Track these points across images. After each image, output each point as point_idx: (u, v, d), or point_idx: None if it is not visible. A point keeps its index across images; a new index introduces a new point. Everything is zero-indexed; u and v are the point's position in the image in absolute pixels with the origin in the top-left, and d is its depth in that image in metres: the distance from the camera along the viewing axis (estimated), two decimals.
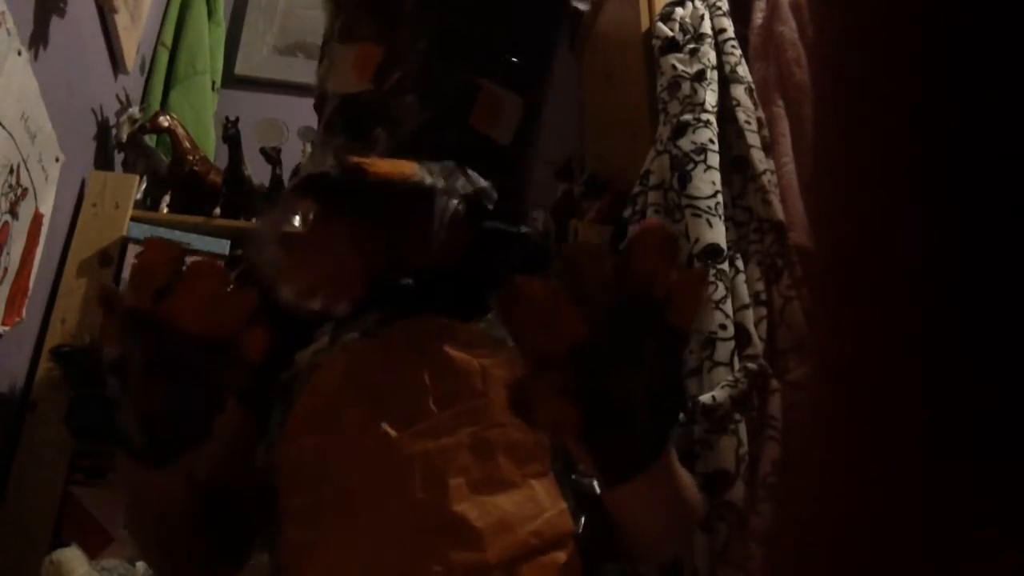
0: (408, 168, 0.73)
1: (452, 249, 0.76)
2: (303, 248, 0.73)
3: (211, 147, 2.29)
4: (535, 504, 0.72)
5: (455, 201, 0.73)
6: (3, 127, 1.31)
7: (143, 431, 0.65)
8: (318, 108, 0.90)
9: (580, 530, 0.73)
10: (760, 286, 1.50)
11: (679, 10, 1.83)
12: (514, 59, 0.84)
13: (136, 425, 0.65)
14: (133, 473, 0.71)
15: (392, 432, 0.72)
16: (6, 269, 1.43)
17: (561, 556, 0.70)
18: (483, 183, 0.76)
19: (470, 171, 0.76)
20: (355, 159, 0.72)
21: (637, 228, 0.61)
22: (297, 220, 0.75)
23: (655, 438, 0.64)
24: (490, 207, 0.77)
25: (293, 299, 0.70)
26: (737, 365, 1.39)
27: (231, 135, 2.04)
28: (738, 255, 1.52)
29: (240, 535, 0.82)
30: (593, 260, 0.58)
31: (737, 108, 1.66)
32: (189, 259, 0.64)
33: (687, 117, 1.62)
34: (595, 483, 0.75)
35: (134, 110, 2.12)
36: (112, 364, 0.63)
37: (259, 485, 0.77)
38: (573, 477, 0.77)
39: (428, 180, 0.72)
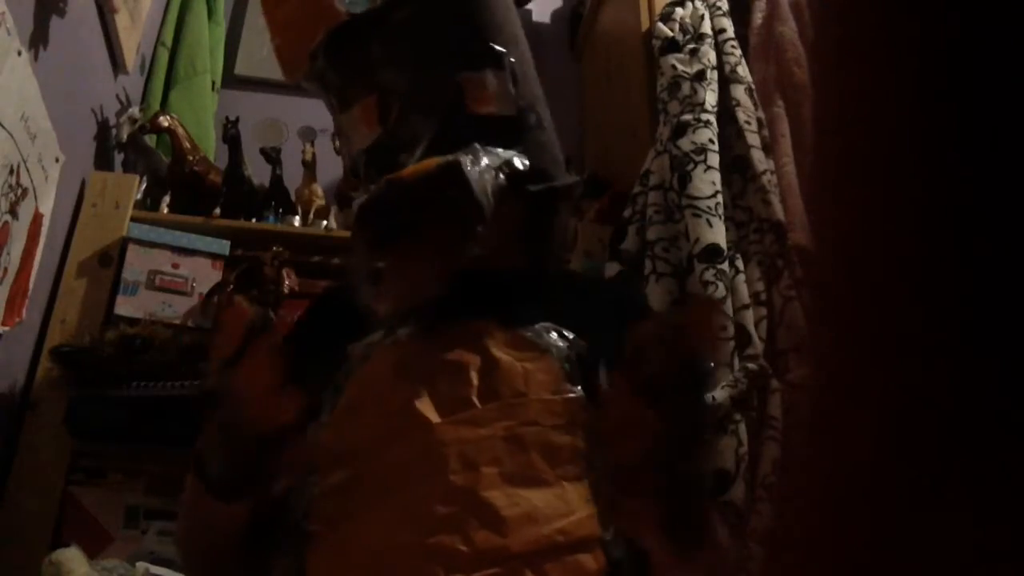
0: (435, 160, 0.82)
1: (510, 221, 0.86)
2: (389, 276, 0.84)
3: (211, 147, 2.29)
4: (565, 504, 0.74)
5: (491, 174, 0.82)
6: (3, 127, 1.31)
7: (224, 467, 0.76)
8: (351, 174, 1.02)
9: (609, 537, 0.74)
10: (760, 286, 1.50)
11: (679, 10, 1.83)
12: (482, 43, 0.93)
13: (218, 460, 0.76)
14: (201, 499, 0.80)
15: (433, 418, 0.77)
16: (6, 269, 1.43)
17: (587, 559, 0.72)
18: (508, 153, 0.86)
19: (493, 149, 0.85)
20: (387, 176, 0.82)
21: (691, 307, 0.73)
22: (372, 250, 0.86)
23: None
24: (523, 171, 0.86)
25: (393, 308, 0.82)
26: (737, 365, 1.39)
27: (231, 135, 2.04)
28: (738, 255, 1.52)
29: (263, 551, 0.88)
30: (659, 344, 0.68)
31: (737, 108, 1.66)
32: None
33: (687, 117, 1.62)
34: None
35: (134, 110, 2.12)
36: (207, 394, 0.76)
37: (287, 477, 0.83)
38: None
39: (454, 158, 0.81)
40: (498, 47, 0.93)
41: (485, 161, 0.83)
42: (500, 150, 0.85)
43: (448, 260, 0.84)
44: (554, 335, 0.82)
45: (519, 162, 0.86)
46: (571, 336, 0.82)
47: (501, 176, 0.83)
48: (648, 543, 0.72)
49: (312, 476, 0.79)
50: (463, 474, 0.74)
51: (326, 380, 0.84)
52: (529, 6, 2.69)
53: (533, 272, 0.95)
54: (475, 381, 0.78)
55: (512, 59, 0.93)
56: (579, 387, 0.79)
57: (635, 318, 0.96)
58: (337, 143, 1.96)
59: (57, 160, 1.61)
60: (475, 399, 0.77)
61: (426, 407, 0.77)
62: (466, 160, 0.81)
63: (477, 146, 0.84)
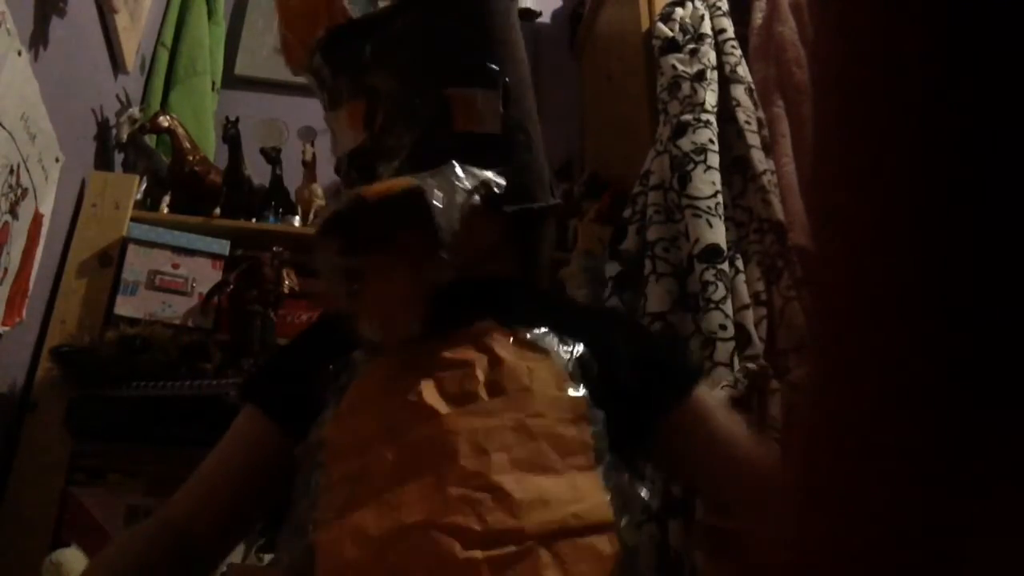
0: (400, 181, 0.82)
1: (487, 237, 0.87)
2: (366, 296, 0.84)
3: (211, 147, 2.29)
4: (576, 490, 0.75)
5: (462, 196, 0.82)
6: (3, 127, 1.31)
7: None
8: (336, 173, 1.00)
9: (623, 525, 0.75)
10: (760, 286, 1.50)
11: (679, 10, 1.83)
12: (476, 61, 0.93)
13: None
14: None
15: (441, 409, 0.78)
16: (6, 269, 1.43)
17: (602, 541, 0.72)
18: (486, 173, 0.86)
19: (471, 168, 0.85)
20: (353, 191, 0.83)
21: None
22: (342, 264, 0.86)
23: None
24: (499, 192, 0.86)
25: (376, 340, 0.83)
26: (737, 365, 1.39)
27: (231, 135, 2.04)
28: (738, 255, 1.52)
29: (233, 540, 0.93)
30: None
31: (737, 108, 1.66)
32: None
33: (687, 117, 1.62)
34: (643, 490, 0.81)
35: (134, 110, 2.12)
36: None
37: (287, 472, 0.83)
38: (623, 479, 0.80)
39: (416, 183, 0.81)
40: (493, 65, 0.93)
41: (459, 182, 0.83)
42: (477, 170, 0.85)
43: (418, 280, 0.83)
44: (555, 339, 0.83)
45: (495, 183, 0.86)
46: (572, 342, 0.83)
47: (476, 197, 0.83)
48: None
49: (317, 471, 0.79)
50: (474, 459, 0.74)
51: (329, 381, 0.85)
52: (527, 3, 2.69)
53: (525, 281, 0.96)
54: (481, 377, 0.79)
55: (507, 78, 0.93)
56: (582, 388, 0.80)
57: (638, 338, 0.99)
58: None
59: (57, 160, 1.61)
60: (482, 393, 0.78)
61: (434, 399, 0.78)
62: (432, 185, 0.81)
63: (454, 164, 0.84)
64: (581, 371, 0.82)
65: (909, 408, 0.26)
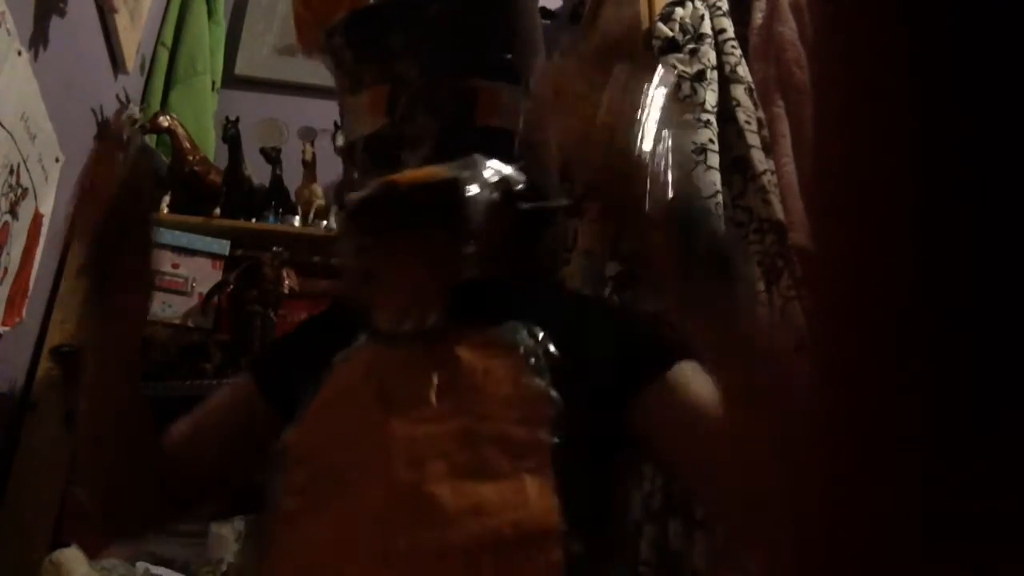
0: (434, 171, 0.83)
1: (498, 234, 0.86)
2: (384, 283, 0.85)
3: (211, 147, 2.29)
4: (521, 496, 0.71)
5: (486, 190, 0.82)
6: (3, 127, 1.31)
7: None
8: (345, 155, 1.00)
9: (569, 529, 0.71)
10: (760, 286, 1.50)
11: (679, 10, 1.83)
12: (504, 55, 0.93)
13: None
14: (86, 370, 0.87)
15: (388, 417, 0.77)
16: (6, 269, 1.43)
17: (544, 550, 0.69)
18: (508, 169, 0.85)
19: (493, 161, 0.85)
20: (385, 177, 0.83)
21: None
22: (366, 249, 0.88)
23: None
24: (520, 189, 0.86)
25: (389, 328, 0.83)
26: None
27: (231, 135, 2.04)
28: None
29: (184, 499, 0.94)
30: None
31: (737, 108, 1.66)
32: None
33: (687, 117, 1.62)
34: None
35: (134, 110, 2.12)
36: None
37: (253, 466, 0.85)
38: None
39: (452, 174, 0.81)
40: (518, 60, 0.92)
41: (484, 176, 0.83)
42: (498, 164, 0.85)
43: (439, 272, 0.84)
44: (524, 332, 0.80)
45: (515, 180, 0.86)
46: (541, 333, 0.80)
47: (496, 193, 0.83)
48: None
49: (278, 477, 0.80)
50: (408, 470, 0.73)
51: (307, 384, 0.85)
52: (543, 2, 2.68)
53: (518, 281, 0.94)
54: (435, 380, 0.78)
55: (530, 75, 0.92)
56: (544, 381, 0.76)
57: (620, 322, 0.95)
58: (337, 142, 1.96)
59: (57, 160, 1.61)
60: (432, 397, 0.77)
61: (383, 406, 0.78)
62: (465, 177, 0.81)
63: (477, 158, 0.84)
64: (548, 361, 0.78)
65: (909, 408, 0.26)
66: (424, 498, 0.71)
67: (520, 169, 0.87)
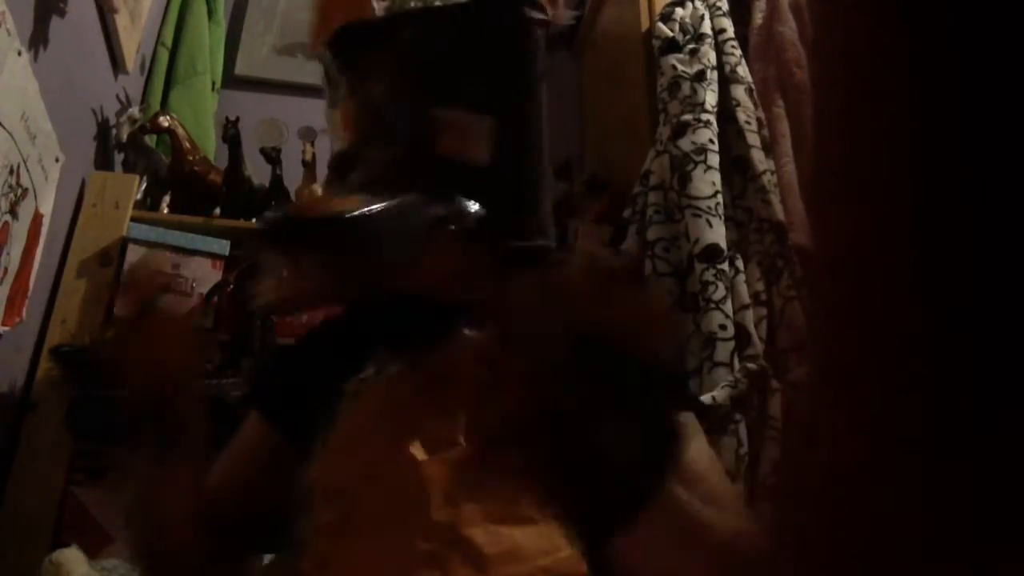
0: (348, 204, 0.77)
1: (441, 270, 0.81)
2: (288, 280, 0.85)
3: (211, 147, 2.29)
4: (551, 542, 0.71)
5: (419, 226, 0.77)
6: (3, 127, 1.31)
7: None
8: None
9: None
10: (760, 286, 1.50)
11: (679, 10, 1.83)
12: (478, 86, 0.87)
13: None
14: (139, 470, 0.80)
15: (419, 456, 0.75)
16: (6, 269, 1.43)
17: None
18: (463, 203, 0.80)
19: (451, 195, 0.80)
20: (292, 205, 0.83)
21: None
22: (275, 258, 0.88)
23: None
24: (463, 226, 0.80)
25: (279, 311, 0.80)
26: (737, 365, 1.39)
27: (231, 135, 2.04)
28: (738, 255, 1.52)
29: (238, 547, 0.90)
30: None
31: (737, 108, 1.66)
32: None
33: (687, 117, 1.62)
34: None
35: (134, 110, 2.12)
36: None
37: (289, 503, 0.81)
38: None
39: (361, 211, 0.75)
40: (497, 92, 0.88)
41: (421, 212, 0.78)
42: (458, 198, 0.80)
43: (342, 290, 0.84)
44: None
45: (470, 213, 0.80)
46: None
47: (450, 226, 0.78)
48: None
49: (305, 516, 0.78)
50: (445, 510, 0.72)
51: (319, 417, 0.83)
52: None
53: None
54: (463, 420, 0.77)
55: (511, 109, 0.88)
56: None
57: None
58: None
59: (57, 160, 1.61)
60: (460, 435, 0.76)
61: (412, 445, 0.76)
62: (367, 213, 0.76)
63: (417, 197, 0.79)
64: None
65: (909, 408, 0.26)
66: (462, 540, 0.71)
67: (489, 203, 0.80)
